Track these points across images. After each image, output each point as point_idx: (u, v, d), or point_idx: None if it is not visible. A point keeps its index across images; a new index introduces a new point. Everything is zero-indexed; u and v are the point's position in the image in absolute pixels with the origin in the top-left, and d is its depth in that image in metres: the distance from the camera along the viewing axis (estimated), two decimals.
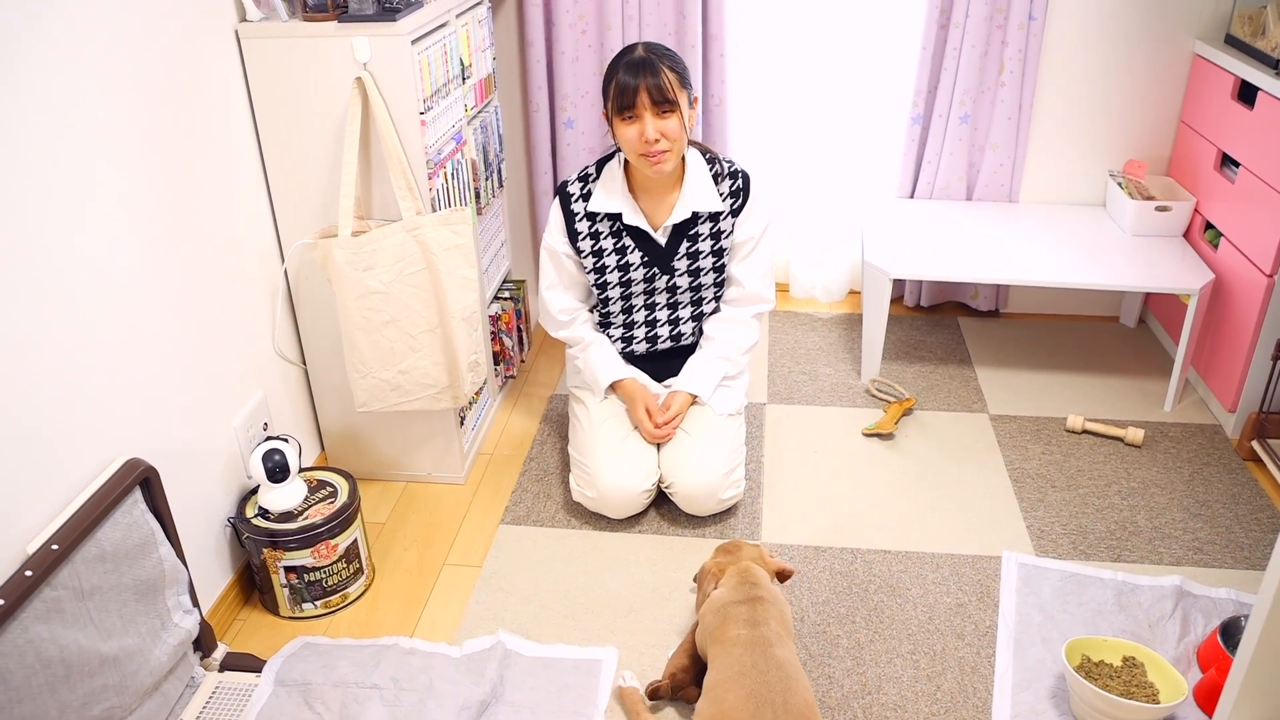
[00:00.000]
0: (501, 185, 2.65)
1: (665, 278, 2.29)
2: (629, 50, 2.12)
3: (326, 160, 2.09)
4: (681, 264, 2.28)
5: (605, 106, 2.14)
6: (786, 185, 3.18)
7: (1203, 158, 2.77)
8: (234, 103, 2.02)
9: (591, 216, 2.24)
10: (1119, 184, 2.92)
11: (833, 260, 3.26)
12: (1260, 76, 2.46)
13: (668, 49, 2.13)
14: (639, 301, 2.32)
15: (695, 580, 2.02)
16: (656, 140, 2.07)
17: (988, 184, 3.02)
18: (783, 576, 1.87)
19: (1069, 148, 3.00)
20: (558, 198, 2.27)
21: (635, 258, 2.25)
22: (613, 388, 2.34)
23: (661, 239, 2.25)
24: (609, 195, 2.21)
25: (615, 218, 2.23)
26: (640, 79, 2.04)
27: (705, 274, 2.30)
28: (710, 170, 2.25)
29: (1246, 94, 2.56)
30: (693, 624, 1.92)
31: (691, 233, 2.25)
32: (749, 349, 2.39)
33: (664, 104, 2.06)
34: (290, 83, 2.02)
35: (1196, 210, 2.79)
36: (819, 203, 3.19)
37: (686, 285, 2.31)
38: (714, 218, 2.26)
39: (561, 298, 2.35)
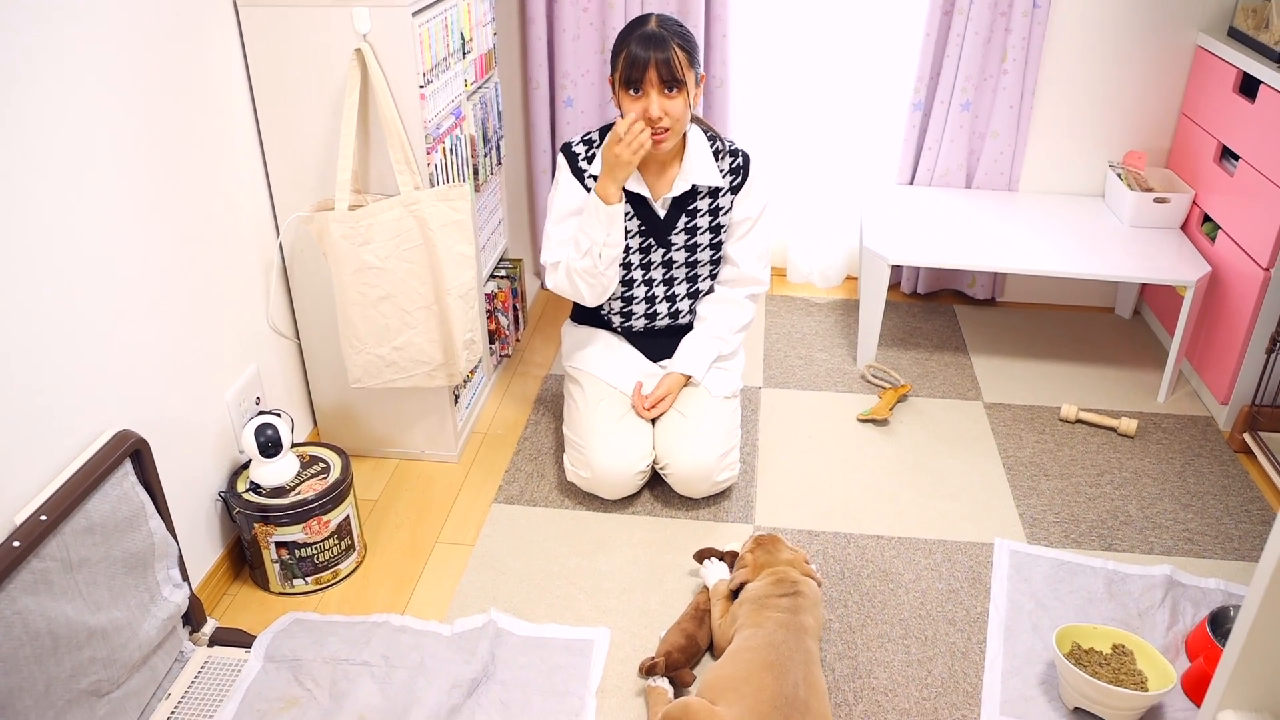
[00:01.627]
0: (500, 162, 2.63)
1: (662, 251, 2.28)
2: (642, 21, 2.09)
3: (324, 132, 2.06)
4: (679, 238, 2.27)
5: (612, 74, 2.13)
6: (786, 169, 3.17)
7: (1202, 150, 2.77)
8: (231, 72, 1.99)
9: (595, 179, 2.22)
10: (1118, 175, 2.91)
11: (830, 245, 3.25)
12: (1262, 69, 2.45)
13: (680, 24, 2.10)
14: (638, 275, 2.30)
15: (697, 558, 2.02)
16: (660, 119, 2.05)
17: (987, 172, 3.01)
18: None
19: (1069, 137, 3.00)
20: (563, 156, 2.24)
21: (633, 225, 2.24)
22: (601, 195, 2.13)
23: (661, 210, 2.24)
24: None
25: None
26: (651, 55, 2.02)
27: (702, 250, 2.29)
28: (711, 147, 2.23)
29: (1248, 87, 2.56)
30: (690, 603, 1.93)
31: (690, 207, 2.24)
32: (742, 328, 2.38)
33: (671, 83, 2.04)
34: (288, 53, 2.00)
35: (1195, 202, 2.79)
36: (818, 187, 3.17)
37: (683, 260, 2.30)
38: (713, 194, 2.25)
39: (566, 234, 2.24)
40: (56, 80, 1.51)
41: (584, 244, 2.16)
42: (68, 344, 1.57)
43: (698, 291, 2.37)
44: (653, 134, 2.08)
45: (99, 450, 1.60)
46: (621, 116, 2.16)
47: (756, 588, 1.81)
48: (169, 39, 1.78)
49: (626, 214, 2.23)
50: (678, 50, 2.04)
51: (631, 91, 2.06)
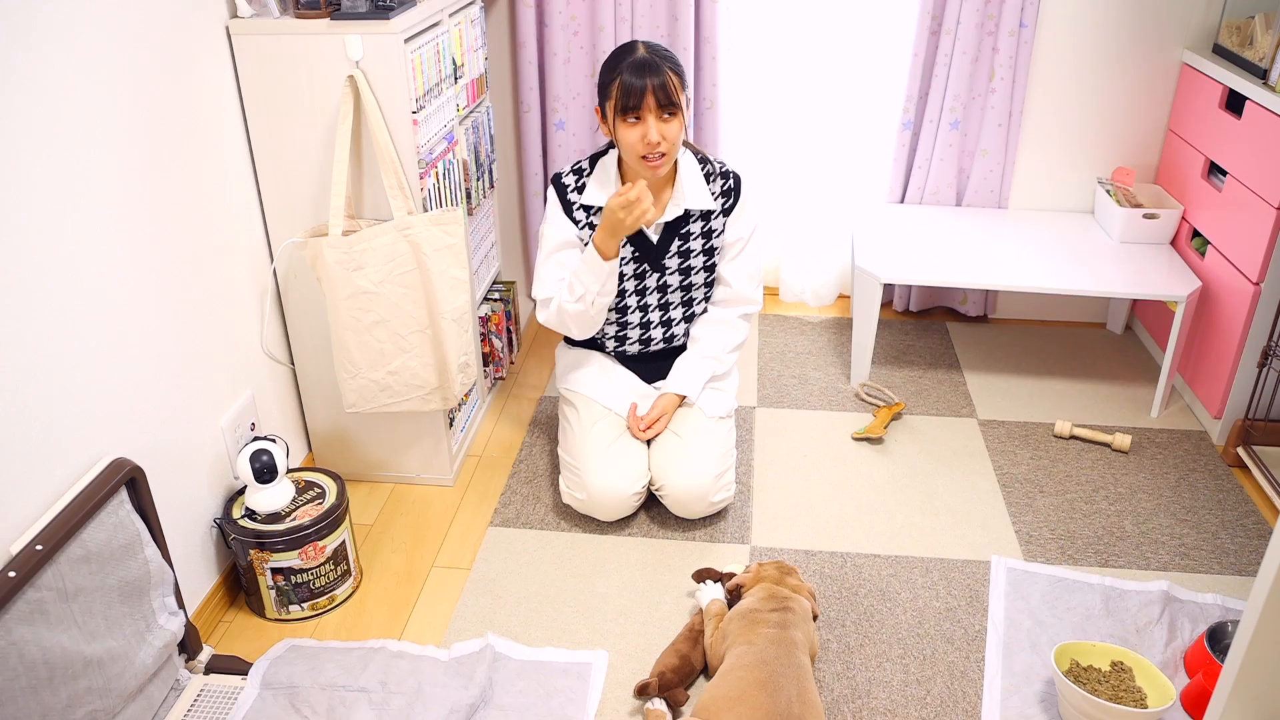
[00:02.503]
0: (492, 186, 2.64)
1: (656, 275, 2.29)
2: (629, 50, 2.11)
3: (317, 159, 2.07)
4: (672, 262, 2.28)
5: (603, 104, 2.14)
6: (778, 189, 3.19)
7: (1190, 166, 2.79)
8: (224, 100, 2.00)
9: (586, 209, 2.23)
10: (1107, 191, 2.94)
11: (823, 264, 3.26)
12: (1248, 86, 2.48)
13: (667, 49, 2.13)
14: (632, 301, 2.31)
15: (696, 578, 2.02)
16: (658, 143, 2.07)
17: (977, 190, 3.03)
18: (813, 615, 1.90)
19: (1058, 154, 3.02)
20: (553, 188, 2.26)
21: (627, 252, 2.25)
22: (600, 250, 2.15)
23: (654, 236, 2.25)
24: (603, 189, 2.21)
25: None
26: (647, 81, 2.04)
27: (696, 273, 2.30)
28: (702, 170, 2.25)
29: (1234, 103, 2.58)
30: (685, 625, 1.92)
31: (683, 231, 2.25)
32: (736, 348, 2.38)
33: (669, 107, 2.06)
34: (281, 80, 2.01)
35: (1184, 218, 2.81)
36: (810, 207, 3.19)
37: (677, 284, 2.31)
38: (705, 217, 2.26)
39: (557, 271, 2.25)
40: (50, 110, 1.52)
41: (577, 290, 2.18)
42: (62, 372, 1.57)
43: (692, 315, 2.38)
44: (650, 160, 2.09)
45: (95, 479, 1.60)
46: (613, 144, 2.18)
47: (747, 603, 1.82)
48: (162, 67, 1.79)
49: (619, 242, 2.24)
50: (671, 75, 2.06)
51: (630, 119, 2.07)
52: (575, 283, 2.18)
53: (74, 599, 1.52)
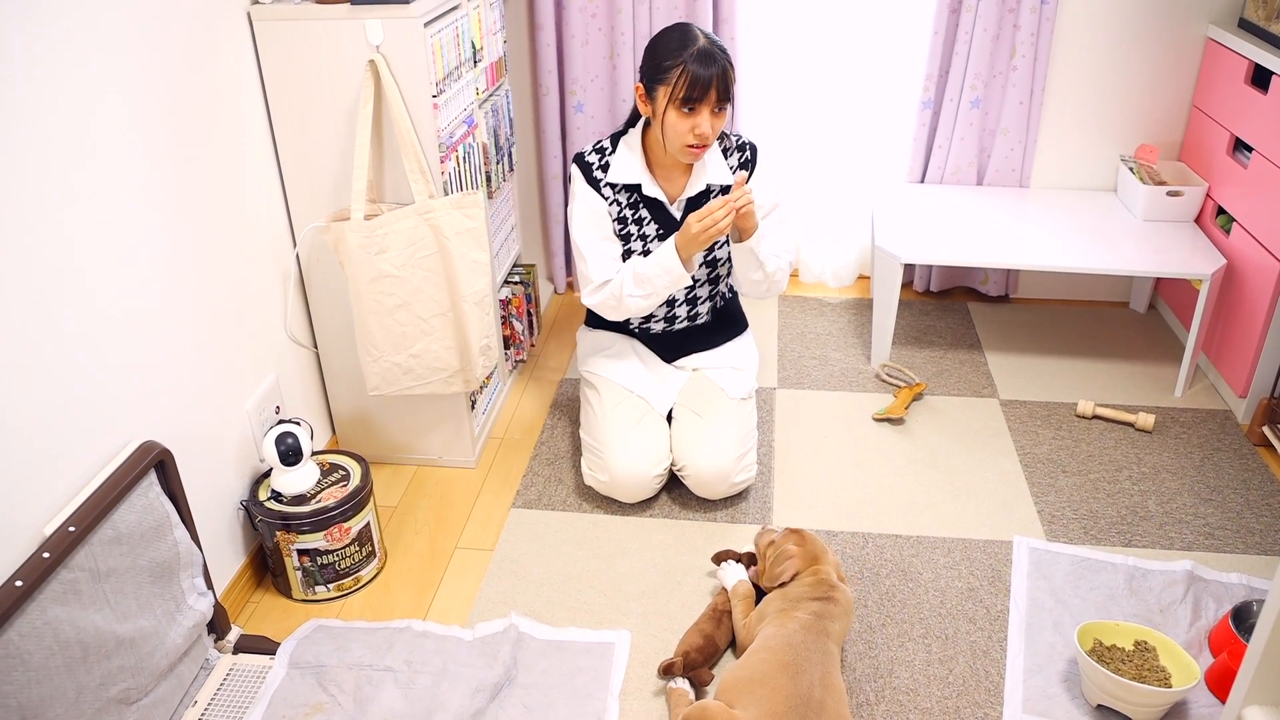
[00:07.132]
0: (512, 169, 2.64)
1: None
2: (689, 36, 2.06)
3: (339, 143, 2.08)
4: None
5: (653, 86, 2.08)
6: (797, 169, 3.17)
7: (1215, 142, 2.76)
8: (246, 85, 2.01)
9: (611, 187, 2.23)
10: (1130, 169, 2.91)
11: (843, 245, 3.25)
12: (1274, 60, 2.44)
13: (720, 40, 2.11)
14: None
15: (715, 560, 2.03)
16: (708, 135, 2.07)
17: (998, 169, 3.01)
18: None
19: (1080, 132, 2.99)
20: (577, 167, 2.25)
21: (651, 230, 2.25)
22: (683, 259, 2.16)
23: (677, 214, 2.25)
24: (627, 168, 2.21)
25: (633, 190, 2.23)
26: (712, 72, 2.01)
27: (720, 248, 2.30)
28: (721, 145, 2.25)
29: (1260, 78, 2.55)
30: (709, 605, 1.93)
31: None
32: (786, 263, 2.31)
33: (725, 101, 2.06)
34: (303, 65, 2.01)
35: (1208, 195, 2.78)
36: (829, 187, 3.18)
37: (702, 259, 2.30)
38: (726, 191, 2.26)
39: (599, 245, 2.25)
40: (72, 97, 1.53)
41: (647, 288, 2.17)
42: (91, 358, 1.59)
43: (716, 293, 2.38)
44: (693, 148, 2.09)
45: (124, 462, 1.62)
46: (632, 122, 2.17)
47: (793, 587, 1.80)
48: (184, 53, 1.80)
49: (644, 219, 2.24)
50: (729, 68, 2.06)
51: (686, 109, 2.05)
52: (645, 280, 2.17)
53: (106, 579, 1.55)
